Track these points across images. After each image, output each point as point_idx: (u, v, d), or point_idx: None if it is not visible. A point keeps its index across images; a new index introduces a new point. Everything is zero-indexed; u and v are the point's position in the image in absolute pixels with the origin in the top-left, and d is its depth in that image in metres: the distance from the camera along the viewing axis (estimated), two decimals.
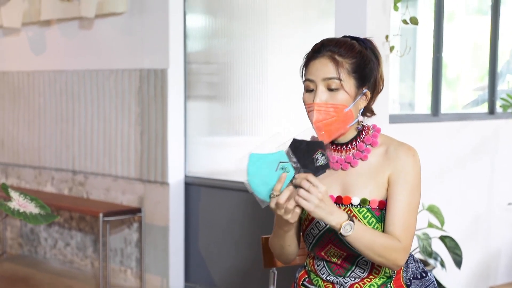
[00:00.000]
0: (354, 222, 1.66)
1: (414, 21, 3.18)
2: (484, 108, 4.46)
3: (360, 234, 1.67)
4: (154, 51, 4.16)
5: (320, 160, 1.63)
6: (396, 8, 3.22)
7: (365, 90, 1.79)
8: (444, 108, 4.05)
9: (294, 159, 1.63)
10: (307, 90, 1.81)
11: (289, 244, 1.86)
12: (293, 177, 1.63)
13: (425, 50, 4.33)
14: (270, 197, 1.63)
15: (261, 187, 1.63)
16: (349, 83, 1.77)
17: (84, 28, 4.57)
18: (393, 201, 1.76)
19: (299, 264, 2.13)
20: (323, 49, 1.79)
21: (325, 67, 1.77)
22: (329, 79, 1.76)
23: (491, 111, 4.31)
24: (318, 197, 1.61)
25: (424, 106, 4.67)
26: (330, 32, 3.26)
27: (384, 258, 1.71)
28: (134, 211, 4.22)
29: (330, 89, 1.77)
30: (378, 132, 1.85)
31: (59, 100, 4.79)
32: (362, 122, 1.85)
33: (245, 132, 4.01)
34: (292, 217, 1.66)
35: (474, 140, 4.06)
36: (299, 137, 1.66)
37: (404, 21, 3.21)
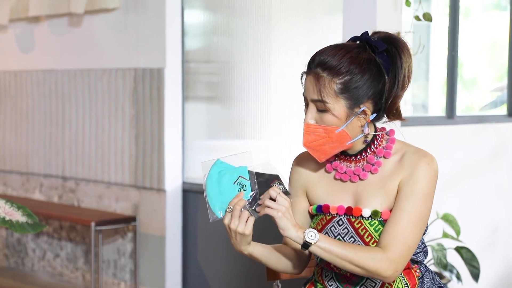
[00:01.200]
0: (318, 234, 1.70)
1: (427, 17, 3.19)
2: (503, 110, 4.46)
3: (327, 242, 1.71)
4: (150, 49, 4.18)
5: (280, 187, 1.73)
6: (408, 4, 3.23)
7: (362, 108, 1.77)
8: (460, 110, 4.06)
9: (255, 180, 1.72)
10: (305, 104, 1.83)
11: (279, 267, 1.88)
12: (251, 196, 1.72)
13: (439, 48, 4.34)
14: (225, 211, 1.72)
15: (215, 194, 1.73)
16: (338, 105, 1.75)
17: (74, 25, 4.59)
18: (395, 208, 1.77)
19: (305, 276, 2.13)
20: (312, 64, 1.79)
21: (311, 87, 1.78)
22: (315, 101, 1.78)
23: (510, 113, 4.32)
24: (285, 205, 1.69)
25: (438, 108, 4.67)
26: (338, 30, 3.27)
27: (365, 270, 1.72)
28: (128, 220, 4.23)
29: (318, 111, 1.78)
30: (392, 143, 1.84)
31: (48, 101, 4.81)
32: (374, 133, 1.83)
33: (246, 135, 4.02)
34: (246, 227, 1.70)
35: (492, 144, 4.06)
36: (253, 169, 1.74)
37: (417, 18, 3.22)
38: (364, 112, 1.78)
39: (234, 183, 1.72)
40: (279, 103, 3.85)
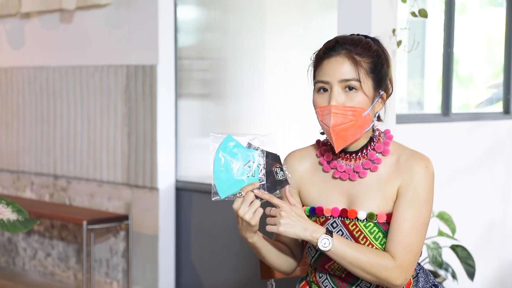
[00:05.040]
0: (332, 237, 1.70)
1: (423, 13, 3.20)
2: (498, 107, 4.48)
3: (341, 249, 1.70)
4: (142, 46, 4.17)
5: (279, 174, 1.69)
6: (403, 0, 3.24)
7: (382, 92, 1.81)
8: (455, 107, 4.07)
9: (264, 165, 1.68)
10: (319, 91, 1.80)
11: (276, 263, 1.88)
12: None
13: (435, 45, 4.35)
14: (233, 194, 1.68)
15: (223, 174, 1.68)
16: (368, 85, 1.77)
17: (65, 21, 4.58)
18: (397, 216, 1.77)
19: (299, 275, 2.14)
20: (339, 47, 1.78)
21: (341, 67, 1.76)
22: (346, 81, 1.76)
23: (506, 110, 4.33)
24: (282, 215, 1.68)
25: (434, 105, 4.69)
26: (333, 26, 3.28)
27: (374, 276, 1.73)
28: (121, 219, 4.23)
29: (348, 90, 1.76)
30: (390, 139, 1.85)
31: (40, 99, 4.80)
32: (377, 128, 1.86)
33: (240, 133, 4.01)
34: (254, 217, 1.69)
35: (488, 141, 4.08)
36: (254, 143, 1.69)
37: (413, 14, 3.23)
38: (382, 97, 1.82)
39: (245, 165, 1.68)
40: (273, 100, 3.85)
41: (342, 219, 1.82)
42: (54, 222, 4.72)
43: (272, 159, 1.69)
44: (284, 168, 1.70)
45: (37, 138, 4.83)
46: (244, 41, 3.92)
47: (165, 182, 4.15)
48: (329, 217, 1.83)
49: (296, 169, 1.91)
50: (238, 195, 1.69)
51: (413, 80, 5.01)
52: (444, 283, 3.45)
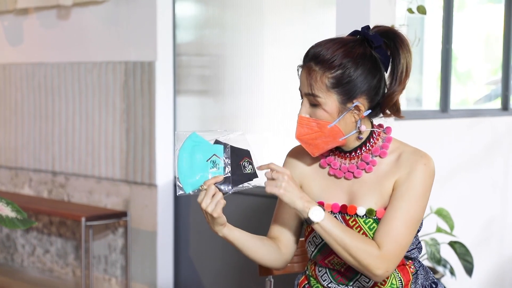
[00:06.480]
0: (324, 212, 1.71)
1: (421, 10, 3.20)
2: (497, 103, 4.48)
3: (329, 225, 1.70)
4: (140, 42, 4.17)
5: (247, 168, 1.72)
6: None
7: (355, 103, 1.76)
8: (454, 104, 4.07)
9: (229, 160, 1.71)
10: (301, 97, 1.82)
11: (256, 257, 1.87)
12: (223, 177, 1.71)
13: (433, 42, 4.35)
14: (195, 187, 1.72)
15: (186, 169, 1.72)
16: (330, 100, 1.75)
17: (63, 17, 4.58)
18: (389, 207, 1.77)
19: (298, 271, 2.14)
20: (306, 58, 1.78)
21: (305, 81, 1.78)
22: (307, 95, 1.77)
23: (505, 107, 4.34)
24: (285, 179, 1.69)
25: (432, 101, 4.69)
26: (331, 22, 3.28)
27: (357, 261, 1.72)
28: (119, 215, 4.23)
29: (311, 104, 1.78)
30: (388, 142, 1.83)
31: (38, 95, 4.79)
32: (370, 129, 1.82)
33: (239, 129, 4.01)
34: (215, 209, 1.72)
35: (487, 138, 4.08)
36: (223, 139, 1.73)
37: (411, 10, 3.23)
38: (357, 107, 1.77)
39: (207, 161, 1.72)
40: (272, 96, 3.85)
41: (343, 215, 1.82)
42: (52, 218, 4.73)
43: (240, 154, 1.73)
44: (253, 162, 1.73)
45: (35, 135, 4.83)
46: (243, 38, 3.92)
47: (164, 179, 4.15)
48: (330, 213, 1.84)
49: (298, 164, 1.92)
50: (201, 188, 1.72)
51: (412, 76, 5.00)
52: (443, 280, 3.45)
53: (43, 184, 4.80)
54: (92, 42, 4.44)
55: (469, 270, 3.37)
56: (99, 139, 4.42)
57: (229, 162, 1.71)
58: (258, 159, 1.75)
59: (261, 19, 3.86)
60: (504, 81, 4.34)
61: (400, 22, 3.26)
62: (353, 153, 1.83)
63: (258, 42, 3.86)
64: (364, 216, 1.80)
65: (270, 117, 3.86)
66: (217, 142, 1.73)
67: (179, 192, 1.73)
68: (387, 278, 1.83)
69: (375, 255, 1.72)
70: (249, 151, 1.73)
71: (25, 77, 4.88)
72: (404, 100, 4.86)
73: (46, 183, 4.78)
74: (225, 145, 1.72)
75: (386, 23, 3.21)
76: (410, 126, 3.54)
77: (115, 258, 4.38)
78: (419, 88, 5.09)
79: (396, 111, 1.86)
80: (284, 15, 3.77)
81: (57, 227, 4.72)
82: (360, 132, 1.80)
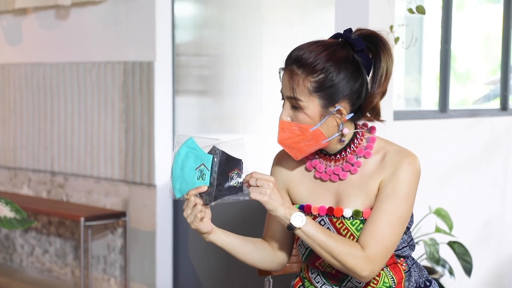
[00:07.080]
0: (306, 218, 1.70)
1: (420, 10, 3.20)
2: (496, 103, 4.48)
3: (312, 230, 1.70)
4: (139, 42, 4.17)
5: (235, 180, 1.69)
6: None
7: (337, 107, 1.75)
8: (453, 104, 4.07)
9: (215, 172, 1.68)
10: (282, 100, 1.80)
11: (248, 260, 1.87)
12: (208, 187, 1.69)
13: (432, 42, 4.35)
14: (183, 195, 1.73)
15: (177, 174, 1.72)
16: (312, 104, 1.74)
17: (62, 17, 4.58)
18: (374, 208, 1.76)
19: (297, 271, 2.14)
20: (288, 61, 1.77)
21: (287, 84, 1.76)
22: (289, 98, 1.76)
23: (504, 107, 4.34)
24: (270, 187, 1.68)
25: (431, 101, 4.69)
26: (330, 22, 3.28)
27: (342, 264, 1.72)
28: (118, 215, 4.23)
29: (293, 107, 1.76)
30: (372, 142, 1.82)
31: (37, 95, 4.79)
32: (354, 130, 1.81)
33: (238, 130, 4.02)
34: (193, 222, 1.73)
35: (485, 138, 4.08)
36: (220, 147, 1.70)
37: (410, 10, 3.23)
38: (339, 111, 1.76)
39: (196, 169, 1.70)
40: (271, 96, 3.85)
41: (330, 217, 1.82)
42: (51, 218, 4.72)
43: (232, 164, 1.69)
44: (242, 174, 1.70)
45: (34, 135, 4.82)
46: (242, 38, 3.92)
47: (163, 179, 4.15)
48: (317, 215, 1.84)
49: (284, 167, 1.91)
50: (185, 197, 1.72)
51: (411, 76, 5.01)
52: (441, 280, 3.45)
53: (42, 184, 4.80)
54: (91, 42, 4.44)
55: (468, 270, 3.37)
56: (98, 139, 4.42)
57: (215, 174, 1.68)
58: (249, 169, 1.71)
59: (260, 19, 3.86)
60: (503, 81, 4.35)
61: (399, 22, 3.26)
62: (338, 155, 1.82)
63: (257, 42, 3.86)
64: (351, 218, 1.79)
65: (269, 117, 3.86)
66: (213, 148, 1.70)
67: (171, 196, 1.74)
68: (378, 277, 1.83)
69: (359, 257, 1.71)
70: (241, 162, 1.70)
71: (24, 77, 4.87)
72: (403, 100, 4.87)
73: (45, 183, 4.77)
74: (219, 153, 1.68)
75: (385, 23, 3.22)
76: (409, 126, 3.54)
77: (114, 258, 4.37)
78: (418, 88, 5.09)
79: (375, 115, 1.84)
80: (283, 16, 3.77)
81: (56, 227, 4.72)
82: (342, 135, 1.79)
